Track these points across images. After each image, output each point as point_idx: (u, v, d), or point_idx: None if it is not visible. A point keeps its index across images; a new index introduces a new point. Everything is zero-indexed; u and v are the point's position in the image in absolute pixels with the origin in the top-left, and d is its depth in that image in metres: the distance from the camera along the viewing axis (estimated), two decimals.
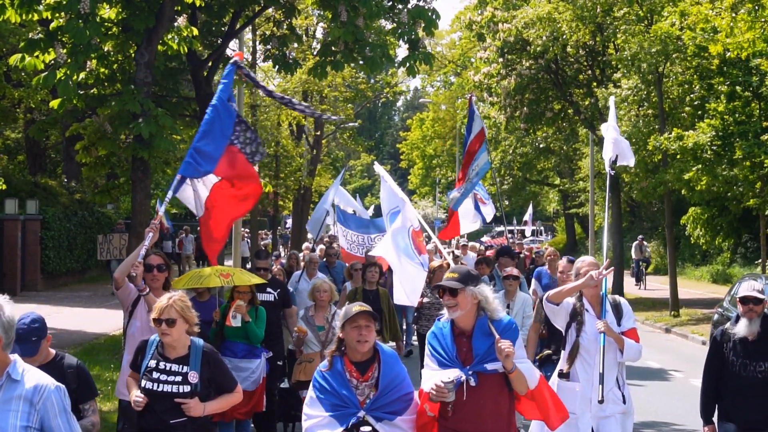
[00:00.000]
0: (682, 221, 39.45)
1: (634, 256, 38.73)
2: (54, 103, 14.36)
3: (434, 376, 5.98)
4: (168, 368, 6.40)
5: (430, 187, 73.63)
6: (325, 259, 17.09)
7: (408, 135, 76.94)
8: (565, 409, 6.56)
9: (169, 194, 8.79)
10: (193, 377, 6.37)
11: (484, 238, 62.96)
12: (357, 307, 6.11)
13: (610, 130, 9.52)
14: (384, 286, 13.11)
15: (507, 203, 55.23)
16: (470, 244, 30.64)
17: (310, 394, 6.10)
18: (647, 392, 15.46)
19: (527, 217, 49.34)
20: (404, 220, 8.36)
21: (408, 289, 8.11)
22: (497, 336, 6.00)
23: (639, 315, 27.21)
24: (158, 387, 6.35)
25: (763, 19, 17.35)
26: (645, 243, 39.26)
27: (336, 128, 44.95)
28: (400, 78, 50.67)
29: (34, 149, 39.12)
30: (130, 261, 8.35)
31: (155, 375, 6.39)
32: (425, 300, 12.88)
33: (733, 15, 17.91)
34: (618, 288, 31.62)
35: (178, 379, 6.36)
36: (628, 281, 36.03)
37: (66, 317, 22.74)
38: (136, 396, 6.40)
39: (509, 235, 42.09)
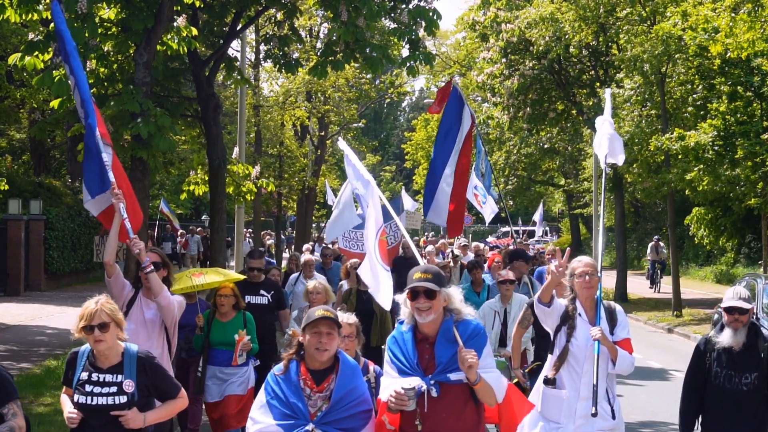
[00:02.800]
0: (686, 221, 39.44)
1: (649, 258, 37.21)
2: (54, 103, 14.37)
3: (393, 385, 5.51)
4: (101, 379, 5.91)
5: None
6: (321, 260, 16.88)
7: (413, 135, 76.90)
8: (529, 405, 6.21)
9: (111, 175, 8.41)
10: (129, 386, 5.90)
11: (489, 239, 62.88)
12: (320, 311, 5.60)
13: (605, 125, 8.91)
14: None
15: (512, 203, 55.21)
16: (474, 244, 30.48)
17: (261, 398, 5.64)
18: (647, 392, 15.45)
19: (537, 218, 49.04)
20: (375, 220, 7.69)
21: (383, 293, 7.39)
22: (461, 344, 5.53)
23: (642, 315, 27.20)
24: (92, 400, 5.85)
25: (762, 19, 17.34)
26: (662, 244, 36.84)
27: (340, 128, 44.97)
28: (406, 78, 50.67)
29: (38, 149, 39.23)
30: (113, 240, 8.13)
31: (88, 388, 5.90)
32: None
33: (733, 15, 17.90)
34: (621, 289, 31.64)
35: (113, 389, 5.88)
36: (633, 282, 35.98)
37: (69, 317, 22.71)
38: (69, 413, 5.90)
39: (515, 236, 42.00)
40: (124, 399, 5.87)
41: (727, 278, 36.47)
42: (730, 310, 7.24)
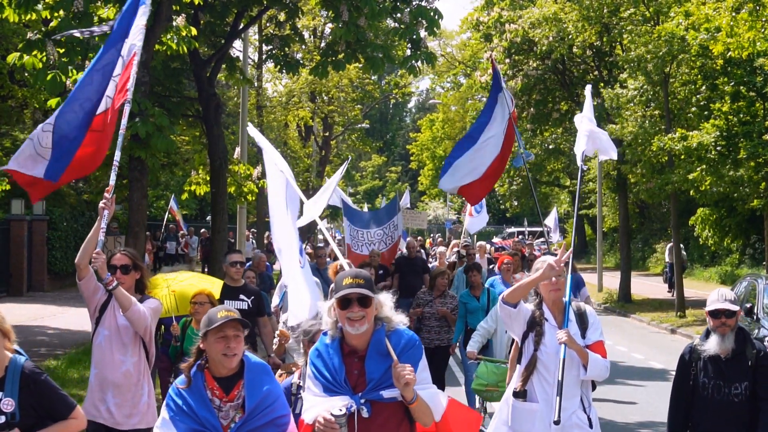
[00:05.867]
0: (691, 222, 39.32)
1: (667, 259, 35.41)
2: (52, 102, 14.34)
3: (319, 404, 4.91)
4: None
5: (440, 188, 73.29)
6: (315, 261, 15.71)
7: (418, 136, 76.87)
8: (475, 416, 5.55)
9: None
10: (8, 405, 5.19)
11: (495, 239, 62.76)
12: (223, 312, 5.04)
13: (584, 121, 8.53)
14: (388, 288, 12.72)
15: (516, 204, 55.14)
16: (479, 244, 30.20)
17: (163, 414, 5.04)
18: (648, 392, 15.40)
19: (552, 223, 48.64)
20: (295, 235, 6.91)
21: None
22: (395, 358, 4.90)
23: (645, 315, 27.11)
24: None
25: (763, 19, 17.29)
26: (680, 246, 35.84)
27: (344, 129, 44.97)
28: (411, 79, 50.72)
29: None
30: (90, 244, 7.47)
31: None
32: (426, 310, 12.53)
33: (734, 14, 17.86)
34: (625, 290, 31.54)
35: None
36: (640, 283, 35.86)
37: (70, 317, 22.77)
38: None
39: (519, 237, 41.68)
40: (2, 419, 5.21)
41: (732, 279, 36.26)
42: (715, 313, 6.62)
